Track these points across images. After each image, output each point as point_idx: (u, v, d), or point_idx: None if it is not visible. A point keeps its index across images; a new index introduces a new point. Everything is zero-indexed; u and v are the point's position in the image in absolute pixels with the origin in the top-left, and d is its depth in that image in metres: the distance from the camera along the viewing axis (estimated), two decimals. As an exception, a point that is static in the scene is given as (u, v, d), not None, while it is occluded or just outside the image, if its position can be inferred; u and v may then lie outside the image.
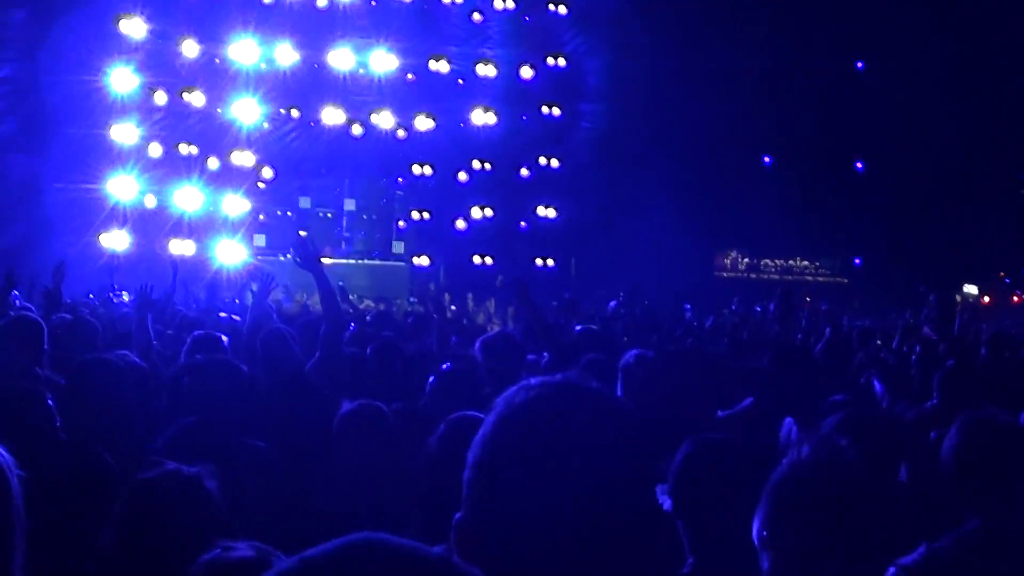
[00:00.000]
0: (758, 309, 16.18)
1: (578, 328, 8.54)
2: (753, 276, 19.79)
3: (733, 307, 17.80)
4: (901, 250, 18.20)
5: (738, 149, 18.51)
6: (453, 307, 15.55)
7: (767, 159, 19.01)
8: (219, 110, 17.79)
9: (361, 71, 17.88)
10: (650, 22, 17.48)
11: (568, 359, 6.01)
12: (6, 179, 16.65)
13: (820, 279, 19.69)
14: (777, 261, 19.85)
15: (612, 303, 15.65)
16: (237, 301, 12.49)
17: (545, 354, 6.17)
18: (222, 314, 9.34)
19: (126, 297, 12.31)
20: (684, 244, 18.41)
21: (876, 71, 18.17)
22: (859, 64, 18.30)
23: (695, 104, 18.00)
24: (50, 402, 3.71)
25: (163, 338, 6.94)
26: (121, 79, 17.33)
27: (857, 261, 19.42)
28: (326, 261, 17.42)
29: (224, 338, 5.74)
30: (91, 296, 12.85)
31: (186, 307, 9.81)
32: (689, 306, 15.63)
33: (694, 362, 4.77)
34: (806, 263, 19.84)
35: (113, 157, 17.26)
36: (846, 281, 19.71)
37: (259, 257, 17.62)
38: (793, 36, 17.44)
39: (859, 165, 18.84)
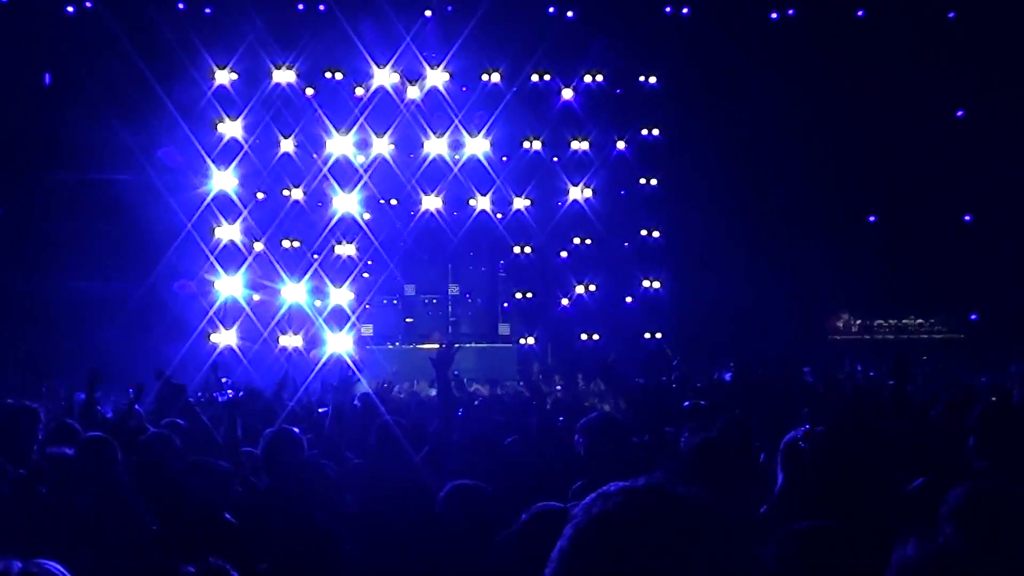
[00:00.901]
0: (872, 374, 15.96)
1: (686, 404, 8.45)
2: (867, 337, 19.49)
3: (847, 368, 17.60)
4: (1019, 300, 17.87)
5: (842, 209, 18.48)
6: (559, 388, 15.48)
7: (872, 218, 18.93)
8: (319, 204, 18.17)
9: (456, 157, 18.22)
10: (744, 86, 17.74)
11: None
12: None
13: (936, 336, 19.35)
14: (890, 321, 19.57)
15: (727, 375, 15.51)
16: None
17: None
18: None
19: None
20: (794, 309, 18.27)
21: (975, 118, 18.15)
22: (959, 112, 18.32)
23: (795, 167, 18.09)
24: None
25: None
26: (222, 180, 17.83)
27: (973, 316, 19.08)
28: (433, 347, 17.57)
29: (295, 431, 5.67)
30: (199, 395, 12.90)
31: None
32: (809, 369, 15.43)
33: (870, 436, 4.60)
34: (920, 321, 19.54)
35: (218, 256, 17.61)
36: (962, 337, 19.34)
37: (368, 346, 17.74)
38: (889, 91, 17.55)
39: (967, 217, 18.66)
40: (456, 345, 7.19)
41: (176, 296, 17.26)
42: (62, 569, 2.02)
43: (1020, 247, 17.87)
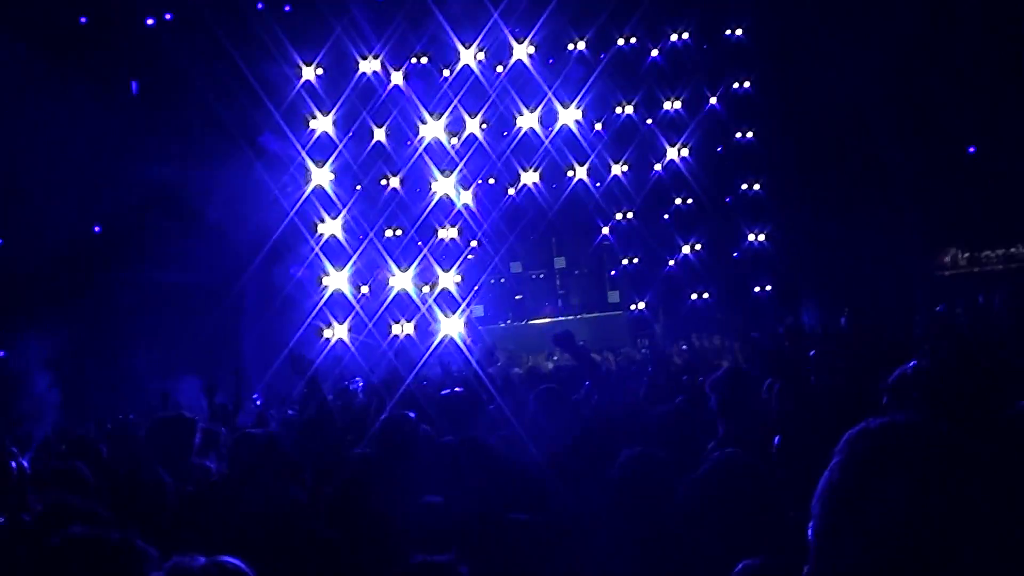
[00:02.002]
0: (980, 300, 16.10)
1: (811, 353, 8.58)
2: (976, 270, 19.61)
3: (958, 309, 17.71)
4: None
5: (941, 142, 18.56)
6: (684, 347, 15.68)
7: (971, 148, 19.03)
8: (418, 190, 18.43)
9: (549, 130, 18.42)
10: (832, 27, 17.82)
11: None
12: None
13: (1046, 263, 19.46)
14: (998, 251, 19.67)
15: (842, 319, 15.66)
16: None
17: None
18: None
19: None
20: (901, 249, 18.40)
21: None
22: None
23: (889, 104, 18.18)
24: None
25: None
26: (319, 176, 18.10)
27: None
28: (545, 321, 17.80)
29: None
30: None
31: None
32: (921, 305, 15.59)
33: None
34: (1030, 248, 19.65)
35: (323, 250, 17.88)
36: (1071, 260, 19.46)
37: (480, 327, 18.01)
38: (981, 18, 17.62)
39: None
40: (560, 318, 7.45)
41: (283, 291, 17.54)
42: (243, 565, 2.19)
43: None
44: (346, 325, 17.90)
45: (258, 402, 12.22)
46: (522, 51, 18.36)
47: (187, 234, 16.97)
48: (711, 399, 5.45)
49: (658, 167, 18.87)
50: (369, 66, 18.34)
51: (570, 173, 18.57)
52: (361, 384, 11.75)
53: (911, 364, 4.49)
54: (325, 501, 4.63)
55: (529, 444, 5.47)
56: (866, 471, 1.46)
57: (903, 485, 1.42)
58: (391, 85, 18.43)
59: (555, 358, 15.04)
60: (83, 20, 17.89)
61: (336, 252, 18.14)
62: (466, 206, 18.36)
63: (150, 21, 18.25)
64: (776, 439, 4.88)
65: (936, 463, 1.43)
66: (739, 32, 18.81)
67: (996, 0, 17.84)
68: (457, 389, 8.64)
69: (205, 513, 4.64)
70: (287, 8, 18.29)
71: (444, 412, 6.88)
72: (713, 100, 18.91)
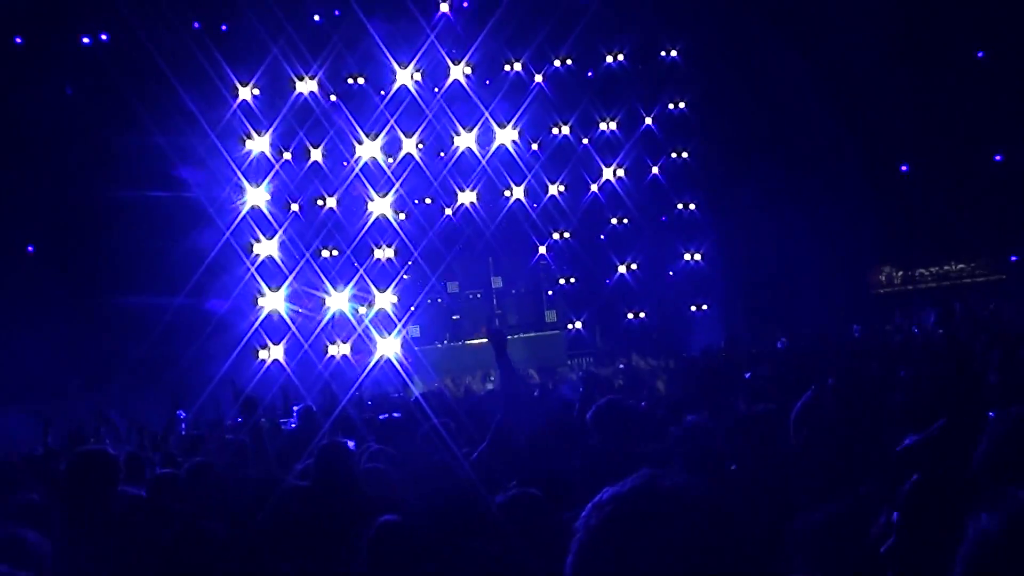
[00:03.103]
0: (915, 330, 16.59)
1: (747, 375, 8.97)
2: (910, 288, 20.16)
3: (897, 321, 18.24)
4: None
5: (874, 162, 19.11)
6: (622, 366, 16.03)
7: (904, 167, 19.59)
8: (354, 210, 18.72)
9: (485, 150, 18.78)
10: (765, 48, 18.33)
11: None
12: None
13: (978, 279, 20.02)
14: (931, 269, 20.24)
15: (780, 342, 16.14)
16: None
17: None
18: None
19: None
20: (836, 267, 18.91)
21: (998, 59, 18.83)
22: (979, 53, 19.01)
23: (825, 126, 18.68)
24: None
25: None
26: (254, 195, 18.34)
27: (1013, 257, 19.76)
28: (482, 342, 18.12)
29: (351, 444, 5.83)
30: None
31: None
32: (858, 327, 16.10)
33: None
34: (961, 266, 20.22)
35: (258, 271, 18.11)
36: (1004, 277, 20.03)
37: (416, 348, 18.30)
38: (910, 38, 18.18)
39: (998, 156, 19.33)
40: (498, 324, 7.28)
41: (217, 312, 17.74)
42: None
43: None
44: (282, 346, 18.13)
45: (183, 421, 12.40)
46: (459, 72, 18.73)
47: (122, 255, 17.19)
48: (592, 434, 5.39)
49: (594, 187, 19.30)
50: (306, 86, 18.63)
51: (507, 193, 18.95)
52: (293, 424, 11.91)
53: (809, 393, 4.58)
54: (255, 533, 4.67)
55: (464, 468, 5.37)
56: (602, 544, 1.47)
57: (638, 552, 1.44)
58: (328, 105, 18.72)
59: (492, 379, 15.36)
60: (18, 40, 18.08)
61: (272, 273, 18.36)
62: (403, 226, 18.64)
63: (86, 40, 18.49)
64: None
65: (669, 527, 1.44)
66: (674, 54, 19.29)
67: (931, 24, 18.39)
68: (395, 414, 8.89)
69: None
70: (224, 27, 18.55)
71: (382, 438, 6.93)
72: (648, 120, 19.33)
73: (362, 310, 18.46)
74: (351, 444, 5.78)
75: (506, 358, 5.99)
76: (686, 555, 1.42)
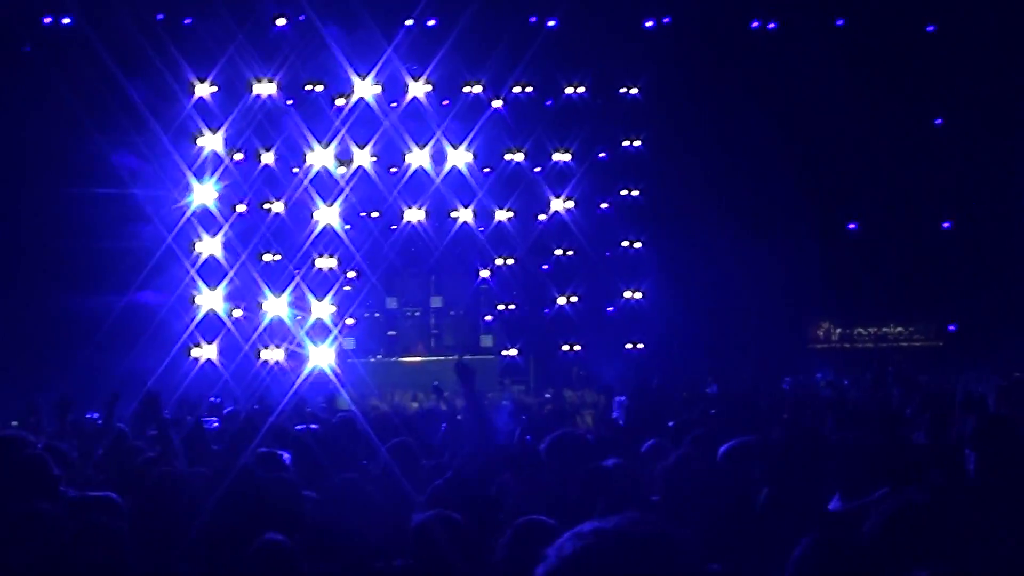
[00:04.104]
0: (846, 383, 16.94)
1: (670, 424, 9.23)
2: (847, 346, 20.53)
3: (819, 376, 18.63)
4: (996, 308, 18.88)
5: (823, 217, 19.45)
6: (548, 396, 16.35)
7: (852, 225, 19.93)
8: (300, 217, 18.96)
9: (438, 169, 19.03)
10: (725, 96, 18.63)
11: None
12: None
13: (915, 344, 20.39)
14: (870, 329, 20.60)
15: (712, 388, 16.46)
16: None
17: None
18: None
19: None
20: (775, 318, 19.25)
21: (955, 126, 19.19)
22: (937, 121, 19.35)
23: (776, 176, 19.01)
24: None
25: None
26: (202, 194, 18.57)
27: (951, 327, 20.16)
28: (416, 359, 18.41)
29: (286, 456, 5.95)
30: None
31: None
32: (789, 380, 16.45)
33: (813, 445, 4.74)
34: (900, 329, 20.59)
35: (199, 270, 18.36)
36: (941, 344, 20.41)
37: (349, 360, 18.58)
38: (868, 99, 18.50)
39: (946, 224, 19.69)
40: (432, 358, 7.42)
41: (158, 312, 18.00)
42: None
43: (998, 254, 18.90)
44: (215, 346, 18.40)
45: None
46: (418, 88, 18.97)
47: (60, 250, 17.47)
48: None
49: (542, 216, 19.57)
50: (263, 88, 18.86)
51: (455, 214, 19.21)
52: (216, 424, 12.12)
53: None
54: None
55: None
56: (581, 568, 1.49)
57: None
58: (284, 109, 18.95)
59: (420, 397, 15.66)
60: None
61: (212, 272, 18.61)
62: (347, 237, 18.90)
63: (47, 20, 18.66)
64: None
65: (637, 566, 1.47)
66: (635, 91, 19.54)
67: (893, 87, 18.71)
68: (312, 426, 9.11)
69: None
70: (187, 21, 18.73)
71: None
72: (602, 155, 19.61)
73: (299, 317, 18.71)
74: (286, 456, 5.87)
75: (474, 392, 6.09)
76: None
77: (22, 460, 5.25)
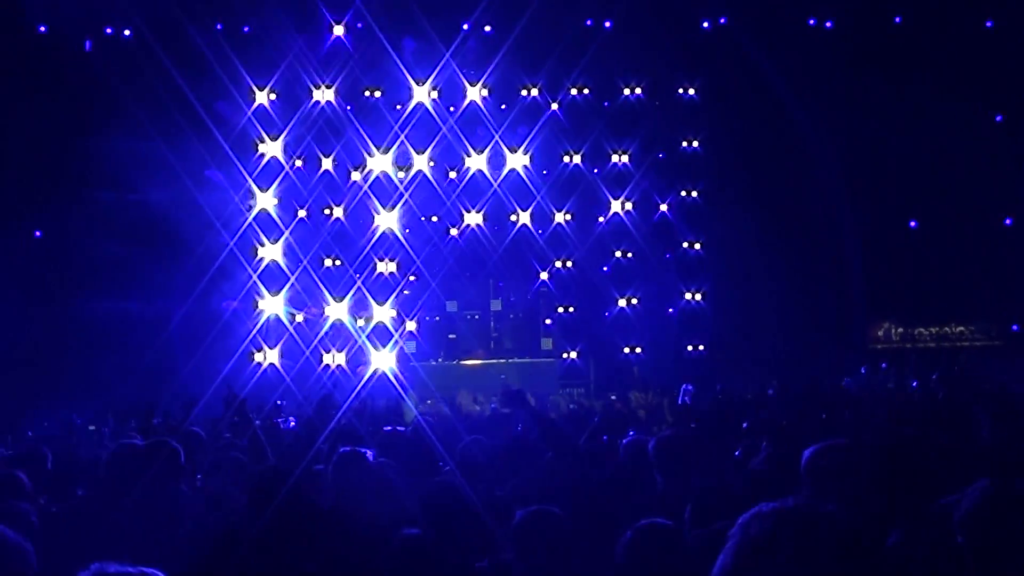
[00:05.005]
0: (914, 384, 17.01)
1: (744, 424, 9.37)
2: (908, 346, 20.57)
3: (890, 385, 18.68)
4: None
5: (883, 215, 19.54)
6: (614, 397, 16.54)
7: (912, 223, 20.03)
8: (360, 222, 19.28)
9: (496, 173, 19.31)
10: (782, 95, 18.82)
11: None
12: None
13: (977, 344, 20.42)
14: (931, 329, 20.66)
15: (770, 390, 16.59)
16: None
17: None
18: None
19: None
20: (835, 318, 19.36)
21: (1015, 122, 19.28)
22: (998, 117, 19.44)
23: (836, 174, 19.16)
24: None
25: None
26: (263, 200, 18.93)
27: (1014, 327, 20.20)
28: (476, 363, 18.64)
29: (369, 453, 6.04)
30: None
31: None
32: (849, 380, 16.56)
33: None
34: (961, 328, 20.63)
35: (261, 275, 18.69)
36: (1003, 344, 20.42)
37: (411, 364, 18.83)
38: (928, 95, 18.61)
39: (1008, 220, 19.76)
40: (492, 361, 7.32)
41: (221, 316, 18.37)
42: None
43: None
44: (278, 351, 18.71)
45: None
46: (475, 93, 19.28)
47: (124, 256, 17.85)
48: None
49: (601, 219, 19.81)
50: (322, 95, 19.21)
51: (513, 217, 19.48)
52: (293, 423, 12.38)
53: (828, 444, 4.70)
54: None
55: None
56: (757, 554, 1.58)
57: (793, 568, 1.55)
58: (343, 115, 19.29)
59: (480, 400, 15.89)
60: (42, 29, 18.70)
61: (274, 277, 18.93)
62: (407, 241, 19.18)
63: (109, 30, 19.13)
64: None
65: (823, 547, 1.56)
66: (692, 92, 19.77)
67: (953, 85, 18.83)
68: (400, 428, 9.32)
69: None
70: (246, 29, 19.14)
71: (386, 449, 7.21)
72: (660, 156, 19.84)
73: (361, 322, 19.00)
74: (370, 454, 6.01)
75: (532, 411, 6.34)
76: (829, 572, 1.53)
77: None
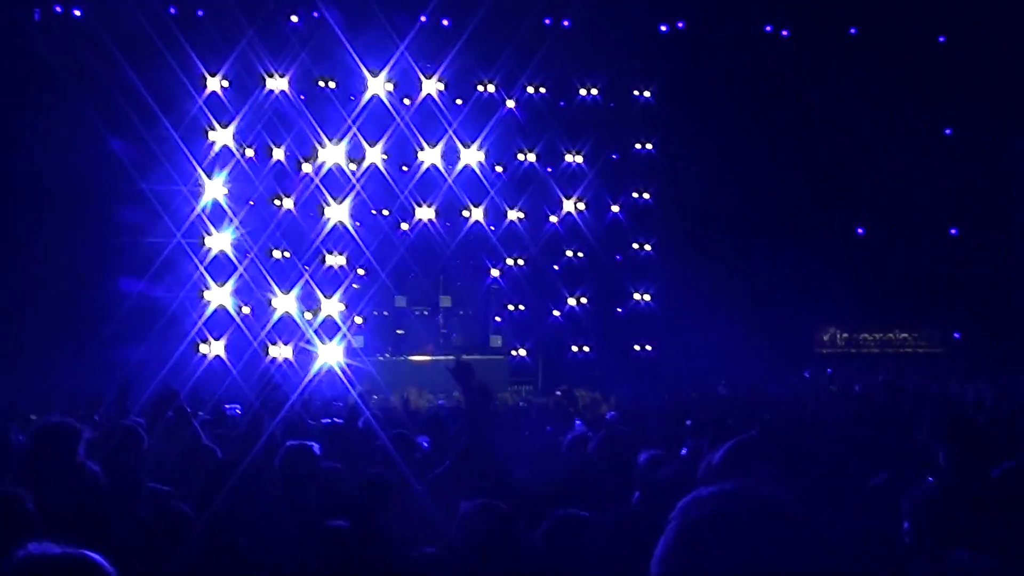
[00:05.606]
0: (857, 388, 17.40)
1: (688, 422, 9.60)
2: (853, 351, 21.01)
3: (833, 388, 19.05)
4: (1000, 316, 19.41)
5: (831, 222, 19.90)
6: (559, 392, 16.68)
7: (860, 230, 20.41)
8: (310, 214, 19.21)
9: (450, 168, 19.34)
10: (736, 101, 19.05)
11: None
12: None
13: (920, 350, 20.90)
14: (875, 335, 21.10)
15: (722, 388, 16.92)
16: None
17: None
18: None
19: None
20: (782, 322, 19.68)
21: (963, 135, 19.72)
22: (947, 130, 19.87)
23: (786, 181, 19.44)
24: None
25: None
26: (212, 189, 18.78)
27: (956, 335, 20.69)
28: (424, 359, 18.68)
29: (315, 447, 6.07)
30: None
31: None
32: (795, 382, 16.95)
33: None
34: (905, 335, 21.10)
35: (208, 265, 18.56)
36: (944, 351, 20.92)
37: (358, 358, 18.83)
38: (879, 106, 18.96)
39: (953, 231, 20.21)
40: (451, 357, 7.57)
41: (168, 306, 18.18)
42: (103, 562, 2.24)
43: (1003, 262, 19.42)
44: (223, 342, 18.60)
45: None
46: (431, 86, 19.27)
47: (70, 243, 17.61)
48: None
49: (554, 218, 19.93)
50: (276, 84, 19.08)
51: (466, 213, 19.53)
52: (239, 410, 12.36)
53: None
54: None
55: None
56: (698, 537, 1.56)
57: (734, 550, 1.53)
58: (296, 105, 19.17)
59: (428, 396, 15.95)
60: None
61: (221, 268, 18.80)
62: (357, 235, 19.15)
63: (58, 8, 18.83)
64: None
65: (765, 530, 1.54)
66: (647, 94, 19.94)
67: (904, 96, 19.18)
68: (336, 420, 9.29)
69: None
70: (199, 13, 18.93)
71: (329, 442, 7.26)
72: (614, 157, 20.01)
73: (308, 315, 18.93)
74: (316, 447, 6.01)
75: (472, 387, 6.33)
76: (778, 558, 1.53)
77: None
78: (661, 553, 1.59)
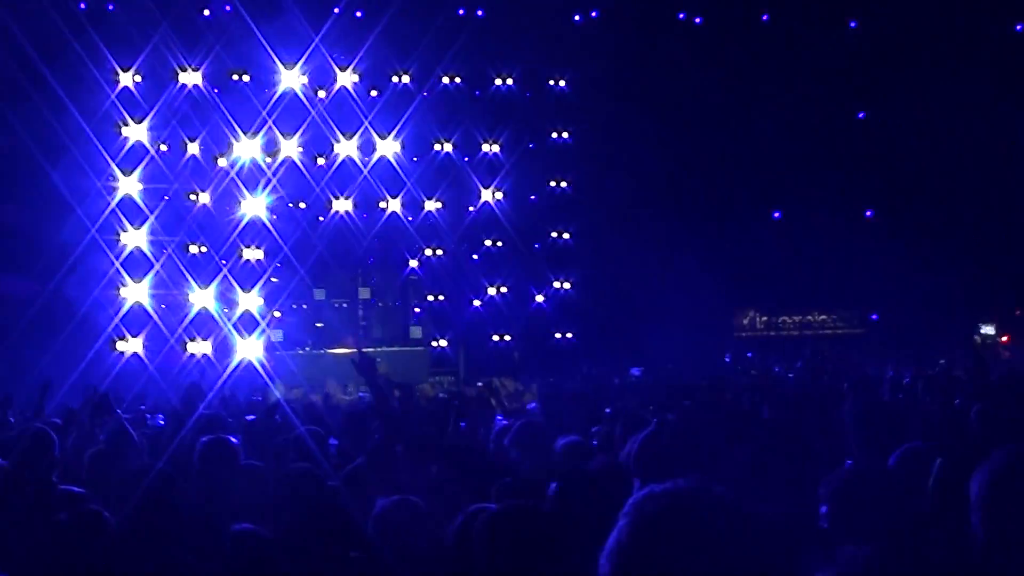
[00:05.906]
0: (776, 369, 17.71)
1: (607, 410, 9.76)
2: (772, 334, 21.34)
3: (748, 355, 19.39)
4: (917, 295, 19.75)
5: (748, 206, 20.17)
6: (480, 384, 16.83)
7: (776, 215, 20.70)
8: (226, 208, 19.20)
9: (366, 159, 19.39)
10: (651, 89, 19.25)
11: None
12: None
13: (838, 332, 21.27)
14: (795, 317, 21.44)
15: (635, 371, 17.16)
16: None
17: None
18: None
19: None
20: (701, 307, 19.94)
21: (877, 119, 20.05)
22: (860, 114, 20.18)
23: (703, 166, 19.70)
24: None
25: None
26: (126, 184, 18.71)
27: (873, 316, 21.06)
28: (344, 351, 18.76)
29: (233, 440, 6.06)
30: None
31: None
32: (730, 357, 17.25)
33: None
34: (823, 317, 21.45)
35: (124, 262, 18.50)
36: (863, 332, 21.31)
37: (277, 352, 18.87)
38: (793, 91, 19.23)
39: (869, 213, 20.55)
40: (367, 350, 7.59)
41: (81, 304, 18.11)
42: None
43: (919, 245, 19.76)
44: (141, 339, 18.56)
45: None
46: (345, 78, 19.30)
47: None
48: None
49: (472, 208, 20.06)
50: (189, 78, 19.03)
51: (383, 205, 19.60)
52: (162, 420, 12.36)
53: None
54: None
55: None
56: (650, 533, 1.60)
57: (684, 547, 1.57)
58: (210, 98, 19.13)
59: (350, 390, 16.01)
60: None
61: (137, 264, 18.74)
62: (274, 228, 19.16)
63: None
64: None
65: (715, 527, 1.59)
66: (563, 84, 20.09)
67: (814, 78, 19.46)
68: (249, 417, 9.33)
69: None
70: (110, 7, 18.83)
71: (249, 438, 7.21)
72: (531, 147, 20.14)
73: (226, 310, 18.93)
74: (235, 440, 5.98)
75: (377, 382, 6.26)
76: (728, 555, 1.58)
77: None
78: (613, 548, 1.64)
